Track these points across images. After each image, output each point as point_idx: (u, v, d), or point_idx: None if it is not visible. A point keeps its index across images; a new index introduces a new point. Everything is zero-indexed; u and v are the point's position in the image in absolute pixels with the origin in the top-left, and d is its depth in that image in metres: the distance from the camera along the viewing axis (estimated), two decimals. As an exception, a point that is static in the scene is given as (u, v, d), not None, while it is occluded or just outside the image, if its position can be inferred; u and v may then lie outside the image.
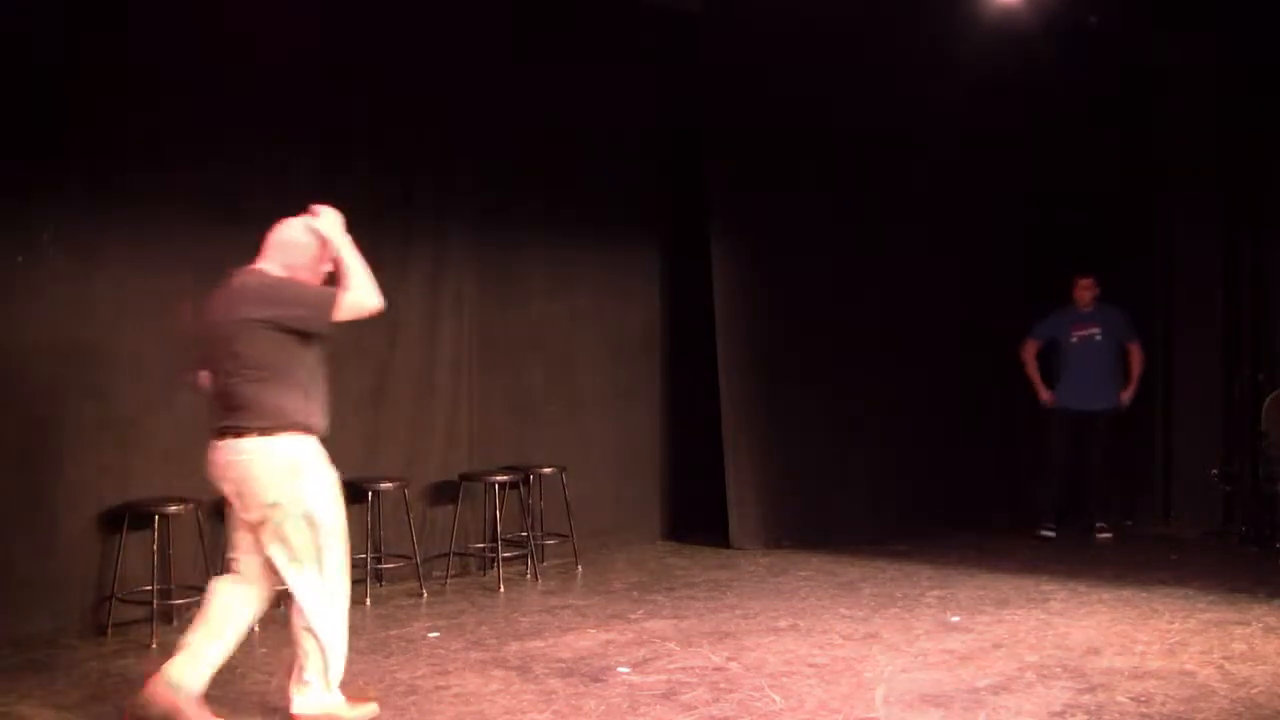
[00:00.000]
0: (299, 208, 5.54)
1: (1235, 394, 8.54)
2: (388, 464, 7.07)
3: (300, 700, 4.60)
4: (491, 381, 7.60)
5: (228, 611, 4.53)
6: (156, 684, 4.38)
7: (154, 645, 5.69)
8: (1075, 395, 8.55)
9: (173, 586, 6.09)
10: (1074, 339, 8.56)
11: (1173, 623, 6.09)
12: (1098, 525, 8.53)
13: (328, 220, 4.63)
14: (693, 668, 5.35)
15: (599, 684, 5.11)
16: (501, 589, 7.02)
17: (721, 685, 5.07)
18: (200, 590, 6.04)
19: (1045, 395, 8.66)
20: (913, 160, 8.65)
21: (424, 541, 7.13)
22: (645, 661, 5.47)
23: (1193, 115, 8.66)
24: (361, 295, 4.47)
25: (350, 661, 5.40)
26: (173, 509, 5.89)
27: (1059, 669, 5.29)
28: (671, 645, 5.75)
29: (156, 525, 5.87)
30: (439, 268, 7.33)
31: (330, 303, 4.44)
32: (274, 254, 4.58)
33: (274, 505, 4.43)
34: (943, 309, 8.77)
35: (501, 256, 7.62)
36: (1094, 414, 8.51)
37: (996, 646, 5.67)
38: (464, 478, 7.23)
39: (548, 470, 7.58)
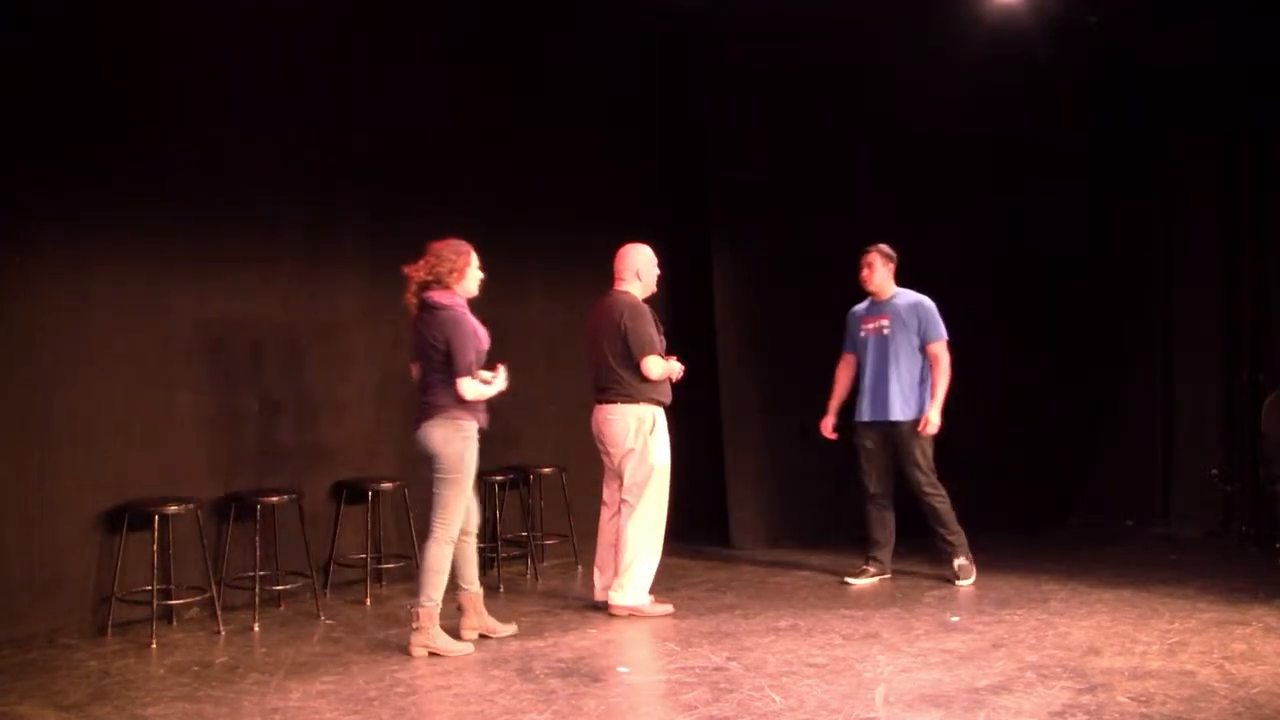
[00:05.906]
0: (298, 207, 5.56)
1: (1235, 394, 8.52)
2: (388, 464, 7.07)
3: (616, 595, 6.29)
4: (491, 381, 7.59)
5: (622, 532, 6.32)
6: (610, 608, 6.30)
7: (154, 645, 5.69)
8: (862, 403, 7.20)
9: (172, 586, 6.09)
10: (862, 333, 7.29)
11: (1173, 623, 6.08)
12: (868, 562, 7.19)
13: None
14: (693, 668, 5.34)
15: (599, 684, 5.11)
16: (501, 589, 7.02)
17: (721, 685, 5.07)
18: (200, 590, 6.10)
19: (825, 422, 7.33)
20: (914, 161, 8.63)
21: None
22: (645, 661, 5.46)
23: (1192, 114, 8.65)
24: (657, 368, 6.30)
25: (350, 661, 5.44)
26: (173, 509, 5.89)
27: (1059, 669, 5.28)
28: (671, 645, 5.75)
29: (156, 525, 5.86)
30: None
31: (645, 354, 6.26)
32: (630, 269, 6.41)
33: (629, 450, 6.29)
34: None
35: (502, 256, 7.60)
36: (889, 426, 7.10)
37: (996, 646, 5.67)
38: (464, 477, 7.21)
39: (548, 470, 7.58)
